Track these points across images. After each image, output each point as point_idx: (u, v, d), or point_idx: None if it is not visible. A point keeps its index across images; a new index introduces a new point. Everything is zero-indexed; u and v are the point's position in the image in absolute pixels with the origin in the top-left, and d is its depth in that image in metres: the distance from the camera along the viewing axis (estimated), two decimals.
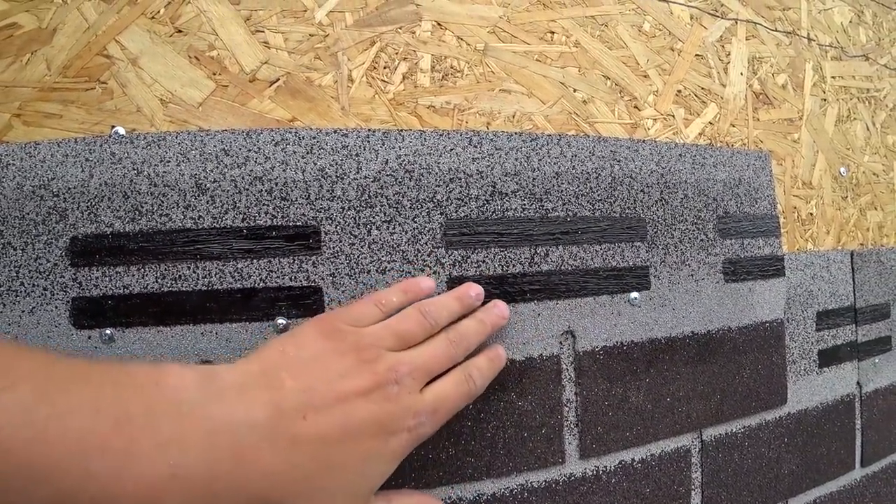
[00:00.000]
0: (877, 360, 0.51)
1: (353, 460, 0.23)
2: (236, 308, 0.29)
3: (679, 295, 0.38)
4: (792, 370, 0.45)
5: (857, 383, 0.49)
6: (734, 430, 0.41)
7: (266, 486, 0.21)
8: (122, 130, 0.30)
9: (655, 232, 0.38)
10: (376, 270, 0.31)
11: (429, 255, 0.32)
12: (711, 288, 0.40)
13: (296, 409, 0.22)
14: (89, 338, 0.29)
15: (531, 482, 0.33)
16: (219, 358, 0.29)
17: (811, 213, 0.48)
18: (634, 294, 0.36)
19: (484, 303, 0.31)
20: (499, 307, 0.31)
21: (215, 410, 0.20)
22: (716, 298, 0.40)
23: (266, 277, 0.30)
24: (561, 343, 0.34)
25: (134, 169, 0.29)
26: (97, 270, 0.29)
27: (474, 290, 0.30)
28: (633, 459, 0.37)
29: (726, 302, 0.40)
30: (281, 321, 0.29)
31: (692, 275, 0.39)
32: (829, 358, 0.47)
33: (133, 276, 0.29)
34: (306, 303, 0.30)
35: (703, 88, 0.43)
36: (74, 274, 0.29)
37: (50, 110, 0.30)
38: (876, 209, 0.53)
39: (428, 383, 0.26)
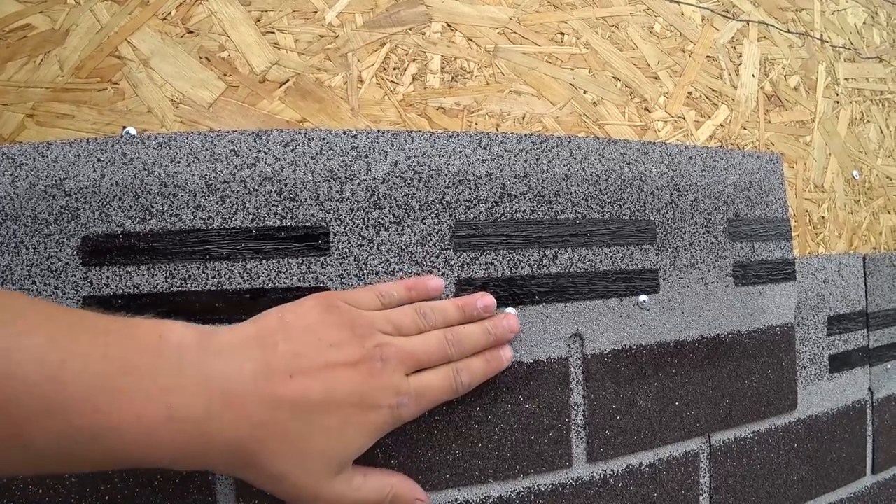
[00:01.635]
0: (889, 366, 0.50)
1: (333, 425, 0.24)
2: (245, 308, 0.29)
3: (688, 298, 0.38)
4: (802, 375, 0.44)
5: (869, 389, 0.49)
6: (743, 435, 0.41)
7: (248, 434, 0.22)
8: (133, 131, 0.30)
9: (665, 235, 0.38)
10: (385, 272, 0.31)
11: (437, 257, 0.32)
12: (721, 291, 0.39)
13: (284, 369, 0.23)
14: None
15: (538, 485, 0.33)
16: None
17: (823, 217, 0.47)
18: (644, 297, 0.36)
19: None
20: (509, 320, 0.31)
21: (210, 363, 0.22)
22: (726, 302, 0.40)
23: (275, 278, 0.30)
24: (569, 346, 0.34)
25: (145, 169, 0.29)
26: (108, 270, 0.29)
27: (482, 302, 0.30)
28: (640, 463, 0.36)
29: (736, 306, 0.40)
30: None
31: (702, 278, 0.39)
32: (840, 363, 0.47)
33: (143, 275, 0.29)
34: None
35: (714, 90, 0.43)
36: (85, 273, 0.29)
37: (62, 111, 0.31)
38: (889, 213, 0.53)
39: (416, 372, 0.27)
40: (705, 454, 0.39)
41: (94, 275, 0.29)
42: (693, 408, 0.38)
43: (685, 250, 0.38)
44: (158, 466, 0.21)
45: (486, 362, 0.30)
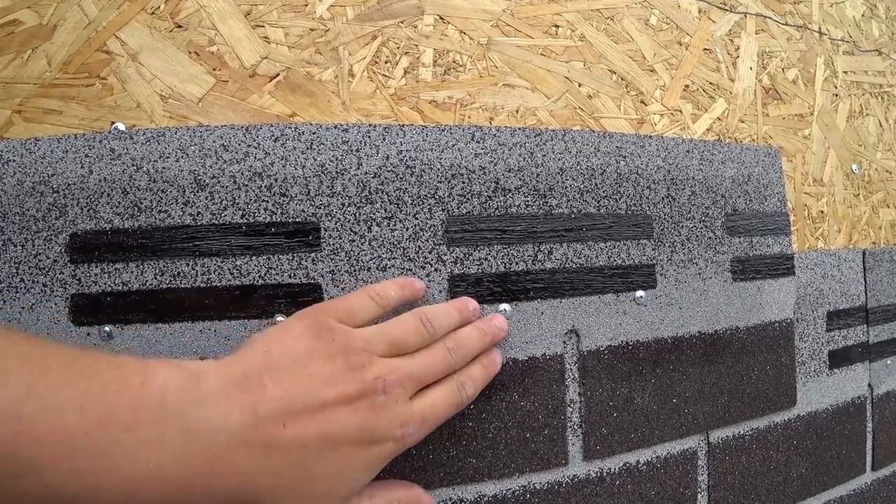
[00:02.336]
0: (889, 362, 0.50)
1: (331, 468, 0.23)
2: (235, 305, 0.29)
3: (686, 294, 0.38)
4: (801, 371, 0.44)
5: (869, 385, 0.48)
6: (742, 432, 0.40)
7: (238, 485, 0.21)
8: (121, 126, 0.30)
9: (662, 229, 0.37)
10: (377, 268, 0.30)
11: (430, 253, 0.31)
12: (719, 287, 0.39)
13: (274, 415, 0.22)
14: (88, 335, 0.28)
15: (534, 484, 0.33)
16: (218, 356, 0.29)
17: (822, 211, 0.47)
18: (640, 293, 0.36)
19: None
20: (497, 319, 0.30)
21: (195, 414, 0.20)
22: (724, 297, 0.39)
23: (265, 274, 0.29)
24: (565, 342, 0.34)
25: (133, 165, 0.29)
26: (96, 267, 0.29)
27: (472, 305, 0.30)
28: (638, 461, 0.36)
29: (734, 301, 0.40)
30: (280, 319, 0.29)
31: (699, 273, 0.38)
32: (839, 359, 0.46)
33: (132, 272, 0.29)
34: (306, 300, 0.30)
35: (711, 83, 0.42)
36: (74, 270, 0.28)
37: (50, 106, 0.30)
38: (888, 207, 0.52)
39: (420, 390, 0.26)
40: (703, 451, 0.39)
41: (83, 272, 0.29)
42: (691, 405, 0.38)
43: (682, 245, 0.38)
44: None
45: (484, 368, 0.29)
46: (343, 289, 0.30)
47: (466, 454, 0.31)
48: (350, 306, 0.26)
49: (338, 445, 0.23)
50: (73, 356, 0.20)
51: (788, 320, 0.42)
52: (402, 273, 0.31)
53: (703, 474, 0.39)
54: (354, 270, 0.30)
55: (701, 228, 0.39)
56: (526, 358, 0.33)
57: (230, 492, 0.21)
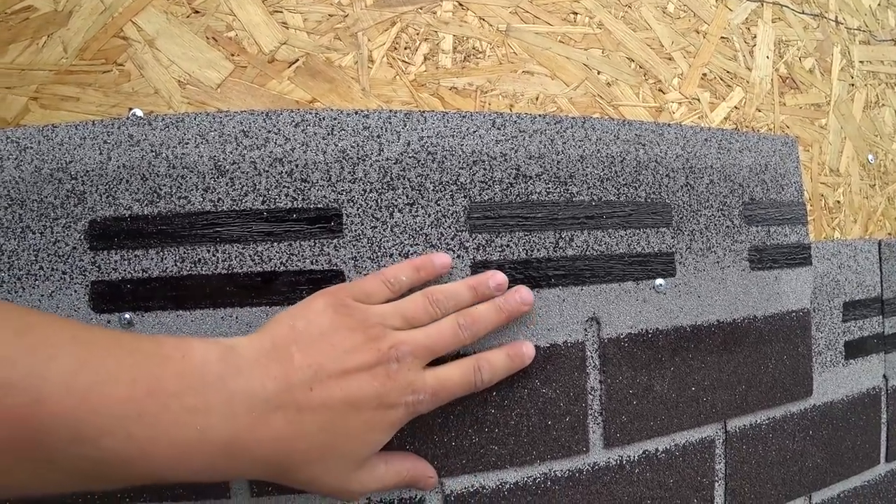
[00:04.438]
0: None
1: (355, 429, 0.24)
2: (257, 292, 0.29)
3: (704, 282, 0.37)
4: (818, 361, 0.43)
5: (884, 376, 0.48)
6: (759, 421, 0.40)
7: (276, 449, 0.23)
8: (139, 112, 0.30)
9: (681, 218, 0.37)
10: (399, 254, 0.30)
11: (452, 239, 0.31)
12: (737, 276, 0.39)
13: (304, 382, 0.23)
14: (108, 322, 0.28)
15: (554, 471, 0.33)
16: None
17: (838, 201, 0.47)
18: (660, 281, 0.36)
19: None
20: (521, 293, 0.30)
21: (234, 382, 0.22)
22: (741, 286, 0.39)
23: (287, 261, 0.29)
24: (586, 330, 0.34)
25: (152, 151, 0.29)
26: (116, 254, 0.28)
27: (494, 281, 0.30)
28: (657, 449, 0.36)
29: (752, 290, 0.39)
30: None
31: (718, 262, 0.38)
32: (855, 350, 0.46)
33: (152, 259, 0.29)
34: (328, 287, 0.29)
35: (728, 72, 0.42)
36: (93, 257, 0.28)
37: (67, 93, 0.30)
38: None
39: (437, 364, 0.27)
40: (721, 440, 0.39)
41: (102, 259, 0.28)
42: (709, 393, 0.37)
43: (701, 234, 0.38)
44: (188, 482, 0.22)
45: (507, 357, 0.29)
46: (365, 275, 0.30)
47: (489, 441, 0.31)
48: (365, 289, 0.28)
49: (359, 408, 0.24)
50: (115, 335, 0.21)
51: (805, 310, 0.42)
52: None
53: (720, 463, 0.39)
54: (377, 257, 0.30)
55: (719, 217, 0.39)
56: (548, 345, 0.32)
57: (269, 456, 0.22)
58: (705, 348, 0.37)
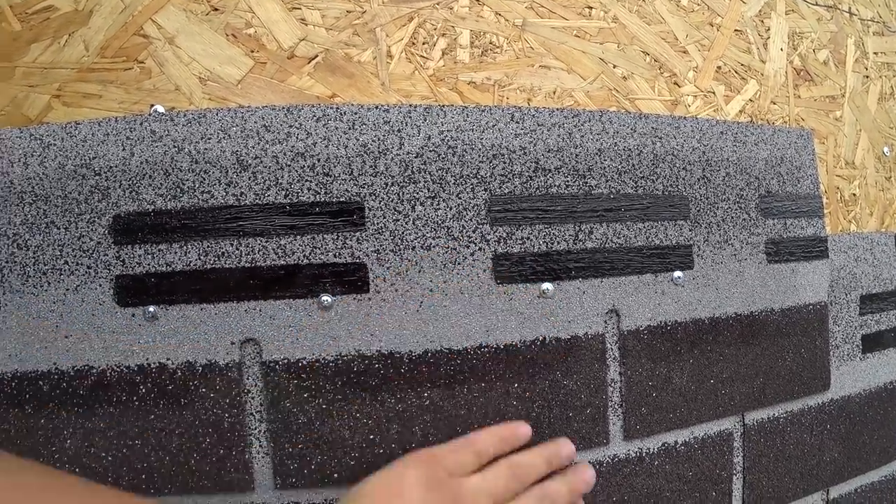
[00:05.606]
0: None
1: None
2: (280, 285, 0.29)
3: (722, 275, 0.37)
4: (835, 355, 0.43)
5: None
6: (777, 414, 0.40)
7: None
8: (161, 109, 0.30)
9: (698, 210, 0.37)
10: (421, 247, 0.30)
11: (474, 232, 0.31)
12: (754, 268, 0.39)
13: None
14: (133, 315, 0.28)
15: (576, 463, 0.33)
16: (263, 336, 0.29)
17: (854, 194, 0.47)
18: (678, 273, 0.36)
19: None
20: (586, 475, 0.31)
21: None
22: (759, 279, 0.39)
23: (310, 254, 0.29)
24: (605, 322, 0.34)
25: (175, 146, 0.29)
26: (140, 248, 0.29)
27: (565, 451, 0.31)
28: (676, 441, 0.36)
29: (769, 283, 0.39)
30: (326, 298, 0.29)
31: (735, 255, 0.38)
32: (872, 343, 0.46)
33: (176, 253, 0.29)
34: (351, 279, 0.29)
35: (742, 65, 0.42)
36: (117, 252, 0.29)
37: (89, 91, 0.30)
38: None
39: None
40: (739, 433, 0.38)
41: (127, 253, 0.29)
42: (728, 386, 0.37)
43: (718, 226, 0.38)
44: None
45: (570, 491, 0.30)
46: (388, 268, 0.30)
47: None
48: (459, 460, 0.29)
49: None
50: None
51: (822, 303, 0.42)
52: (446, 252, 0.31)
53: (738, 456, 0.39)
54: (399, 249, 0.30)
55: (736, 210, 0.38)
56: (569, 337, 0.32)
57: None
58: (723, 341, 0.37)
